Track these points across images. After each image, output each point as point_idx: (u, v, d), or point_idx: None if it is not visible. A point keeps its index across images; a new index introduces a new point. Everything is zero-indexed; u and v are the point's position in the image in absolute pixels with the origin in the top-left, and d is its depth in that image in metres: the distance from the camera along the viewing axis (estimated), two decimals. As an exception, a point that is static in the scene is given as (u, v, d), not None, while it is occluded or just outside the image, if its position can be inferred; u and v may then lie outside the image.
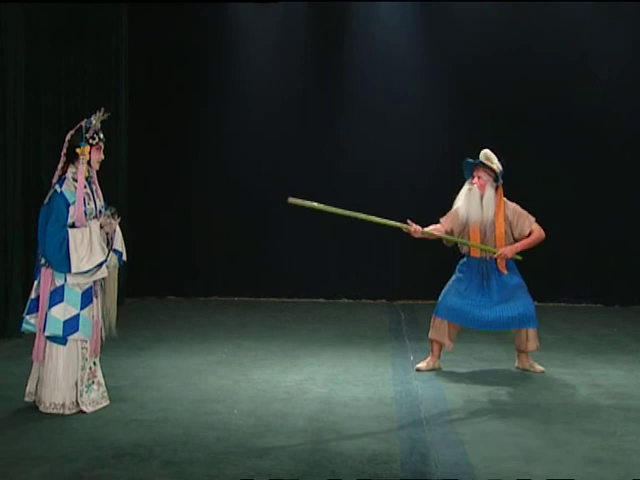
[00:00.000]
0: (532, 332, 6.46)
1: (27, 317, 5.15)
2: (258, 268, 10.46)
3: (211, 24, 10.66)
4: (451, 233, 6.45)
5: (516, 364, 6.62)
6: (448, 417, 5.10)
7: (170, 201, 10.51)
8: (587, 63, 10.44)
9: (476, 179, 6.43)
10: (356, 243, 10.52)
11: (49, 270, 5.08)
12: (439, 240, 6.58)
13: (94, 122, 5.18)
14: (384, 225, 6.23)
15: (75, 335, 5.09)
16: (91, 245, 5.07)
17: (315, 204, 5.85)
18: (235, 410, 5.19)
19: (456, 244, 6.56)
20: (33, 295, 5.16)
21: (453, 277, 6.55)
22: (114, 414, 5.08)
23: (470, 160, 6.50)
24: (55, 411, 5.06)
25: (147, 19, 10.40)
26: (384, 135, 10.65)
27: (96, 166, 5.23)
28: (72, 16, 8.96)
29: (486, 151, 6.50)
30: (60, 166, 5.16)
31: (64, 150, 5.16)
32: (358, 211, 6.18)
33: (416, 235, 6.30)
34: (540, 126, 10.51)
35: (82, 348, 5.17)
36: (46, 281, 5.08)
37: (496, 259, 6.40)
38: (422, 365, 6.49)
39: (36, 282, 5.15)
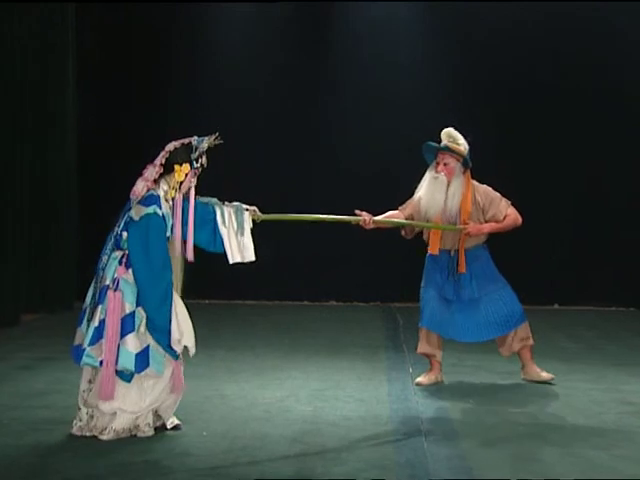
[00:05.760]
0: (521, 327, 6.52)
1: (89, 349, 4.99)
2: (233, 267, 10.42)
3: (192, 22, 11.24)
4: (411, 220, 6.46)
5: (522, 375, 6.69)
6: (453, 439, 5.10)
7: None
8: (591, 56, 10.84)
9: (442, 166, 6.40)
10: (346, 238, 10.53)
11: (118, 294, 4.98)
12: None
13: (205, 145, 5.19)
14: (328, 222, 6.10)
15: (147, 371, 5.00)
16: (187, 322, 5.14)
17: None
18: (205, 432, 5.18)
19: (420, 234, 6.60)
20: (96, 323, 5.01)
21: (424, 274, 6.61)
22: (62, 438, 5.04)
23: (432, 144, 6.44)
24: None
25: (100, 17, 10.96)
26: (378, 131, 11.05)
27: (184, 190, 5.16)
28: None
29: (449, 130, 6.45)
30: (153, 177, 5.11)
31: (162, 160, 5.12)
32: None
33: (369, 227, 6.14)
34: (553, 119, 10.88)
35: (148, 386, 5.06)
36: (115, 307, 4.96)
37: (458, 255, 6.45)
38: (423, 379, 6.52)
39: (100, 307, 5.02)
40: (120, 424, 5.02)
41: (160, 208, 5.06)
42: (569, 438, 5.17)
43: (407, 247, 9.86)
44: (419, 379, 6.54)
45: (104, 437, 4.99)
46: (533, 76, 10.85)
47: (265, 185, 10.46)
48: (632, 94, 10.74)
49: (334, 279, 10.96)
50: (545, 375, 6.58)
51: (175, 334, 5.02)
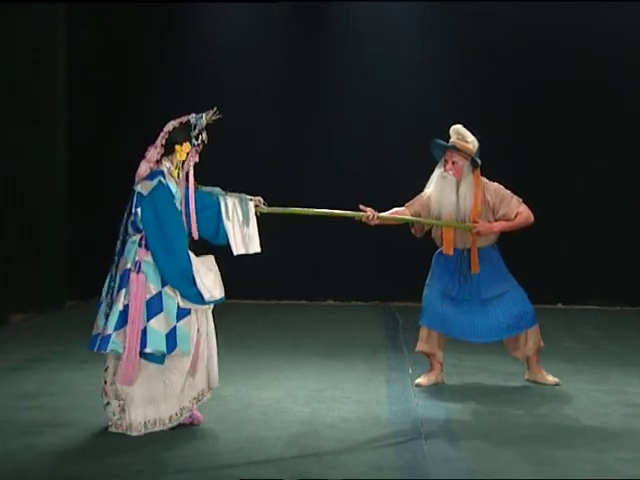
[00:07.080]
0: (531, 330, 6.44)
1: (114, 334, 4.97)
2: (228, 265, 10.36)
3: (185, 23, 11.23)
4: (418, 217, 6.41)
5: (526, 375, 6.63)
6: (454, 442, 5.05)
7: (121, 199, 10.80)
8: (592, 56, 10.75)
9: (450, 164, 6.32)
10: (344, 235, 10.49)
11: (141, 277, 4.99)
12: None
13: (203, 121, 5.22)
14: (332, 217, 6.16)
15: (175, 351, 5.03)
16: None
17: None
18: (200, 434, 5.14)
19: (428, 233, 6.53)
20: (121, 307, 5.00)
21: (431, 271, 6.54)
22: (50, 441, 4.97)
23: (440, 141, 6.36)
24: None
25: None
26: (378, 131, 10.99)
27: (187, 169, 5.21)
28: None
29: (458, 127, 6.36)
30: (155, 158, 5.15)
31: (162, 141, 5.17)
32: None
33: (373, 223, 6.11)
34: (555, 119, 10.80)
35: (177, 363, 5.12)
36: (139, 290, 4.98)
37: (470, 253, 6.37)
38: (422, 380, 6.46)
39: (124, 290, 5.01)
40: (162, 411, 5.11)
41: (164, 178, 5.12)
42: (573, 440, 5.12)
43: (407, 245, 9.84)
44: (419, 380, 6.47)
45: (166, 424, 5.11)
46: (533, 76, 10.88)
47: (265, 185, 10.25)
48: (634, 94, 10.69)
49: (333, 278, 10.96)
50: (551, 379, 6.51)
51: (206, 295, 5.09)
